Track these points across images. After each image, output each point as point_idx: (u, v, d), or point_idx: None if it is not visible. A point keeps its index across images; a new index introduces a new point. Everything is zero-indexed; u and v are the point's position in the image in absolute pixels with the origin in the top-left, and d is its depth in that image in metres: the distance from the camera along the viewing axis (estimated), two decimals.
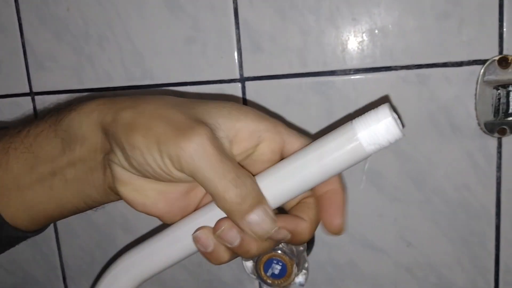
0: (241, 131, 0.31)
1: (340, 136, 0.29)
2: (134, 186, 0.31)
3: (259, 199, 0.29)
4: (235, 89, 0.52)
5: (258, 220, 0.29)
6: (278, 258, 0.46)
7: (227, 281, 0.58)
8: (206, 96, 0.53)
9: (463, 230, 0.52)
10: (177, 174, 0.29)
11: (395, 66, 0.49)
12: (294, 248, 0.47)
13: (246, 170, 0.31)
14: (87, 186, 0.34)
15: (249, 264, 0.48)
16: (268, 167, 0.32)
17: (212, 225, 0.30)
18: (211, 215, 0.31)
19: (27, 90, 0.58)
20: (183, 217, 0.33)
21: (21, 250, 0.63)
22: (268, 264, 0.46)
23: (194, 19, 0.52)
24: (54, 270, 0.64)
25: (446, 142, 0.50)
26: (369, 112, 0.29)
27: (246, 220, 0.29)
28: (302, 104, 0.51)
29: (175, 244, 0.32)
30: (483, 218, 0.51)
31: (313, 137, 0.32)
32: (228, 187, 0.28)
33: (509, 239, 0.51)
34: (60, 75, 0.56)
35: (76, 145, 0.33)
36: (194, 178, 0.29)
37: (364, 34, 0.49)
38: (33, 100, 0.58)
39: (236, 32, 0.51)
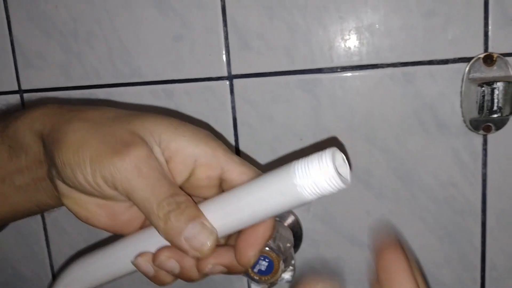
0: (175, 154, 0.30)
1: (279, 182, 0.27)
2: (74, 200, 0.31)
3: (195, 214, 0.28)
4: (223, 87, 0.52)
5: (195, 233, 0.28)
6: (265, 255, 0.46)
7: (217, 279, 0.59)
8: (194, 94, 0.53)
9: (450, 227, 0.52)
10: (110, 192, 0.29)
11: (381, 64, 0.49)
12: (281, 244, 0.47)
13: (181, 190, 0.30)
14: (38, 192, 0.33)
15: None
16: (206, 192, 0.31)
17: (155, 248, 0.30)
18: (154, 239, 0.30)
19: (15, 88, 0.58)
20: (132, 229, 0.32)
21: (10, 247, 0.63)
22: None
23: (182, 17, 0.52)
24: (43, 267, 0.64)
25: (432, 139, 0.50)
26: (312, 157, 0.27)
27: (183, 236, 0.28)
28: (290, 101, 0.51)
29: (118, 263, 0.32)
30: (469, 214, 0.52)
31: (282, 160, 0.33)
32: (161, 207, 0.28)
33: (495, 236, 0.52)
34: (48, 72, 0.56)
35: (21, 154, 0.33)
36: (128, 198, 0.28)
37: (350, 32, 0.49)
38: (21, 97, 0.58)
39: (224, 30, 0.51)
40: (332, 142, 0.50)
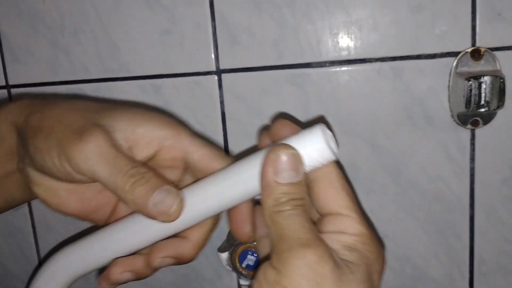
0: (141, 137, 0.31)
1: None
2: (46, 187, 0.32)
3: (160, 182, 0.30)
4: (211, 82, 0.52)
5: (161, 197, 0.29)
6: (253, 249, 0.46)
7: (206, 275, 0.58)
8: (182, 88, 0.53)
9: (438, 222, 0.52)
10: (78, 176, 0.30)
11: (370, 59, 0.50)
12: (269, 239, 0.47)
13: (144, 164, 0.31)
14: (6, 186, 0.35)
15: (224, 255, 0.48)
16: (170, 174, 0.33)
17: (134, 236, 0.32)
18: (134, 227, 0.31)
19: (3, 83, 0.57)
20: (102, 215, 0.34)
21: None
22: (243, 256, 0.47)
23: (170, 12, 0.52)
24: (32, 264, 0.63)
25: (421, 134, 0.50)
26: (303, 131, 0.28)
27: (150, 203, 0.29)
28: (278, 96, 0.51)
29: (101, 252, 0.32)
30: (458, 209, 0.52)
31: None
32: (126, 180, 0.29)
33: (483, 230, 0.52)
34: (36, 67, 0.56)
35: None
36: (94, 178, 0.29)
37: (339, 27, 0.49)
38: (9, 92, 0.57)
39: (212, 24, 0.51)
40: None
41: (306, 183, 0.29)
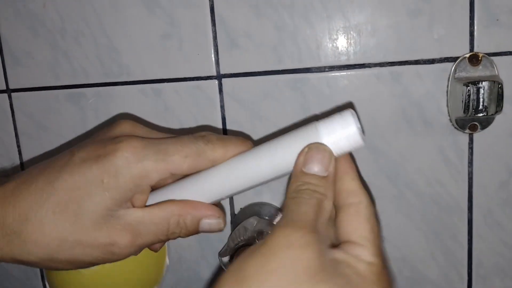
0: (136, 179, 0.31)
1: (303, 139, 0.30)
2: None
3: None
4: (212, 86, 0.53)
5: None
6: None
7: (205, 276, 0.59)
8: (183, 93, 0.53)
9: (436, 224, 0.53)
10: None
11: (369, 64, 0.50)
12: None
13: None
14: None
15: (225, 259, 0.49)
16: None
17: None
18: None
19: (3, 87, 0.57)
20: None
21: None
22: None
23: (171, 16, 0.52)
24: (32, 268, 0.64)
25: (419, 137, 0.51)
26: (333, 116, 0.30)
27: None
28: (278, 100, 0.52)
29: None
30: (456, 212, 0.52)
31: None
32: None
33: (481, 234, 0.52)
34: (36, 71, 0.56)
35: None
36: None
37: (338, 32, 0.50)
38: (9, 97, 0.57)
39: (212, 29, 0.51)
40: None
41: (335, 209, 0.29)
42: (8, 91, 0.57)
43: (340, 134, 0.29)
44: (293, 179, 0.29)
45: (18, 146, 0.58)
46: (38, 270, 0.63)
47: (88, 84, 0.55)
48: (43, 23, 0.55)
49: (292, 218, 0.27)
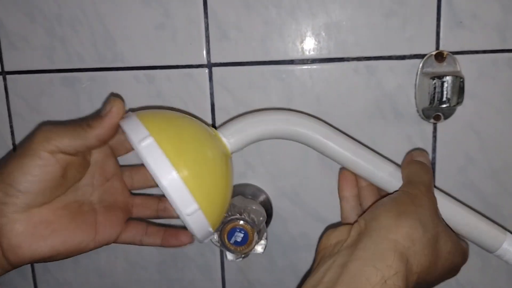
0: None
1: (495, 229, 0.48)
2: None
3: None
4: (202, 74, 0.56)
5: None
6: (241, 227, 0.51)
7: (190, 252, 0.62)
8: (174, 80, 0.57)
9: None
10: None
11: (347, 58, 0.55)
12: (255, 218, 0.52)
13: None
14: None
15: (214, 233, 0.52)
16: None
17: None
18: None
19: None
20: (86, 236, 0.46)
21: None
22: (231, 233, 0.51)
23: (165, 7, 0.55)
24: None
25: (389, 126, 0.56)
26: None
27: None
28: (264, 89, 0.56)
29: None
30: None
31: None
32: None
33: None
34: (32, 55, 0.58)
35: None
36: None
37: (320, 28, 0.54)
38: (4, 79, 0.59)
39: (204, 21, 0.55)
40: None
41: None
42: (3, 73, 0.59)
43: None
44: (407, 162, 0.47)
45: (11, 127, 0.60)
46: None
47: (83, 68, 0.58)
48: (39, 8, 0.57)
49: (420, 183, 0.44)
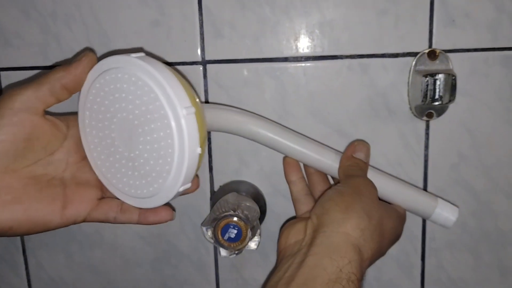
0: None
1: (424, 196, 0.53)
2: None
3: None
4: (197, 71, 0.56)
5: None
6: (235, 224, 0.51)
7: (184, 250, 0.63)
8: None
9: None
10: None
11: (341, 55, 0.55)
12: (249, 214, 0.52)
13: None
14: None
15: (207, 229, 0.53)
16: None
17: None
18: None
19: None
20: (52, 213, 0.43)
21: None
22: (225, 229, 0.51)
23: (160, 5, 0.55)
24: (13, 241, 0.65)
25: (382, 123, 0.56)
26: (452, 206, 0.52)
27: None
28: (258, 86, 0.56)
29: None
30: None
31: None
32: None
33: None
34: (26, 52, 0.58)
35: None
36: None
37: (314, 26, 0.54)
38: None
39: (199, 18, 0.55)
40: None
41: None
42: None
43: (445, 214, 0.51)
44: (345, 158, 0.50)
45: None
46: (19, 244, 0.65)
47: None
48: (34, 5, 0.57)
49: (356, 174, 0.48)
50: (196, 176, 0.45)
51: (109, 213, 0.46)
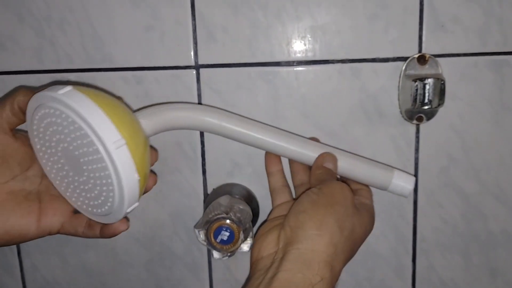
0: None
1: (380, 168, 0.53)
2: None
3: None
4: (190, 75, 0.57)
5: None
6: (227, 226, 0.51)
7: (178, 251, 0.63)
8: (162, 81, 0.57)
9: (386, 204, 0.59)
10: None
11: (332, 60, 0.56)
12: (241, 217, 0.52)
13: None
14: None
15: (201, 232, 0.53)
16: None
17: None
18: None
19: None
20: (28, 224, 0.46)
21: None
22: (217, 232, 0.52)
23: (154, 9, 0.56)
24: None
25: (373, 127, 0.57)
26: (407, 175, 0.53)
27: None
28: (251, 90, 0.57)
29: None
30: None
31: None
32: None
33: (425, 212, 0.59)
34: (21, 56, 0.58)
35: None
36: None
37: (306, 31, 0.55)
38: None
39: (192, 23, 0.56)
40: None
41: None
42: None
43: (401, 184, 0.52)
44: (316, 167, 0.51)
45: None
46: (14, 246, 0.65)
47: (72, 69, 0.58)
48: (29, 9, 0.57)
49: (329, 179, 0.48)
50: (153, 173, 0.49)
51: (78, 227, 0.48)
